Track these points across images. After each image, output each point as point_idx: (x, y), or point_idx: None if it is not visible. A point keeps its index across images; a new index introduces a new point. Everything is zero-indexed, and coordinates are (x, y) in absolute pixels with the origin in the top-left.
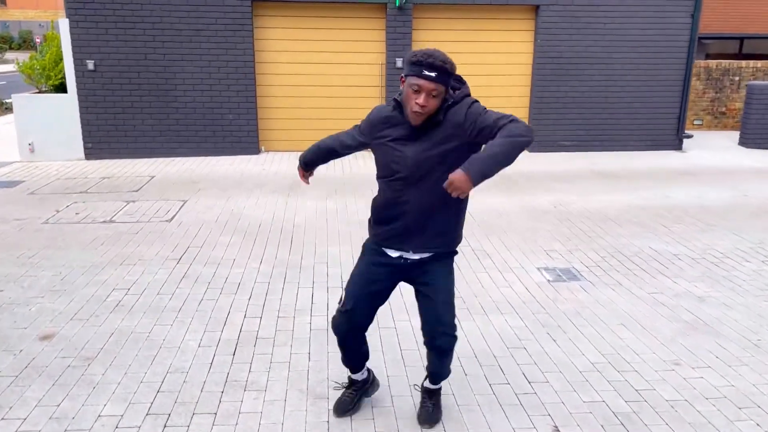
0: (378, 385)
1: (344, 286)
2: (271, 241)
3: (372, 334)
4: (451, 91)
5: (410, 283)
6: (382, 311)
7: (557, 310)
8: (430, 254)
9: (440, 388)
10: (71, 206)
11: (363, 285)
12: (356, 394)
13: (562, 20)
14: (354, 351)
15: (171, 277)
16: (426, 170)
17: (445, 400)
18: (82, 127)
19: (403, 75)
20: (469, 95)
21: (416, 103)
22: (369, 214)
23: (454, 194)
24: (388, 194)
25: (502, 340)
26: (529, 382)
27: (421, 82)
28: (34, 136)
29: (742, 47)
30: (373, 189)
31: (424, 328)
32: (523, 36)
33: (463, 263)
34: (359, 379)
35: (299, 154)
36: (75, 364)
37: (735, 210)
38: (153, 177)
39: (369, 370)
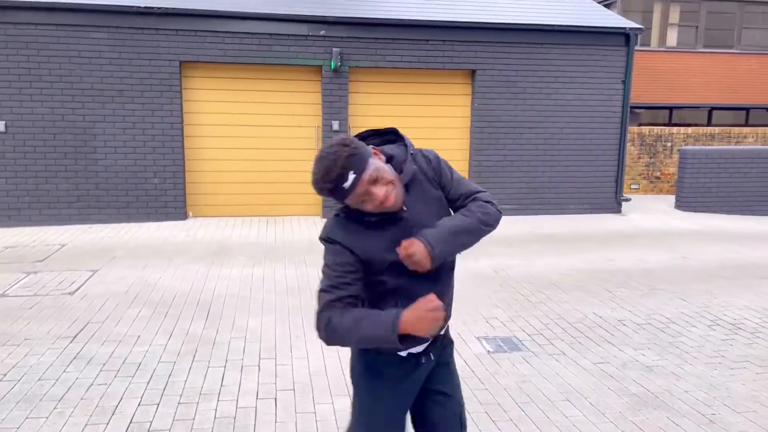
0: None
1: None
2: (185, 314)
3: (287, 422)
4: (396, 149)
5: (421, 393)
6: (304, 392)
7: (498, 385)
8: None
9: None
10: None
11: (395, 417)
12: None
13: (498, 85)
14: None
15: (59, 360)
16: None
17: None
18: None
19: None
20: (411, 149)
21: (380, 204)
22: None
23: (411, 267)
24: (397, 284)
25: None
26: None
27: (352, 195)
28: None
29: (671, 117)
30: (305, 256)
31: None
32: (461, 100)
33: None
34: None
35: (228, 220)
36: None
37: (677, 273)
38: (63, 245)
39: None
